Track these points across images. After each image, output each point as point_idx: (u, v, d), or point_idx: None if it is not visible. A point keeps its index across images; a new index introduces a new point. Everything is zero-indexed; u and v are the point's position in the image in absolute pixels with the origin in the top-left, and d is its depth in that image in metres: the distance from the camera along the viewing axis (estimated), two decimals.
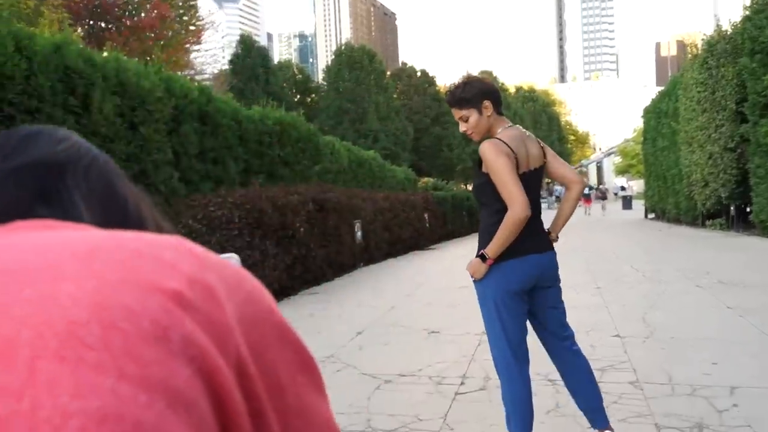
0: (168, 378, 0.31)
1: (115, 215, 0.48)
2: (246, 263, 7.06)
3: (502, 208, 2.65)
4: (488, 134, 2.81)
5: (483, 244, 2.72)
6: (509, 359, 2.70)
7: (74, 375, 0.29)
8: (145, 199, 0.53)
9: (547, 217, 2.89)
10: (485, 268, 2.68)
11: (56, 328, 0.31)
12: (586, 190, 36.28)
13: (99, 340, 0.31)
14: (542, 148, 2.87)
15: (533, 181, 2.76)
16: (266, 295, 0.42)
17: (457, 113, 2.82)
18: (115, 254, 0.36)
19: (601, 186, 44.49)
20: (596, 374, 2.97)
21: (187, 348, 0.33)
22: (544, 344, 2.91)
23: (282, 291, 7.88)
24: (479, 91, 2.77)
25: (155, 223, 0.52)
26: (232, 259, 0.57)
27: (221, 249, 7.01)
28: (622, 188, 52.79)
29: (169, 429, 0.30)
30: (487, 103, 2.77)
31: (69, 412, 0.28)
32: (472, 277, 2.75)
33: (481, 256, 2.68)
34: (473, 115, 2.77)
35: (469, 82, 2.83)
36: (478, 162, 2.75)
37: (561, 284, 2.88)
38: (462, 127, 2.84)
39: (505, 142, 2.68)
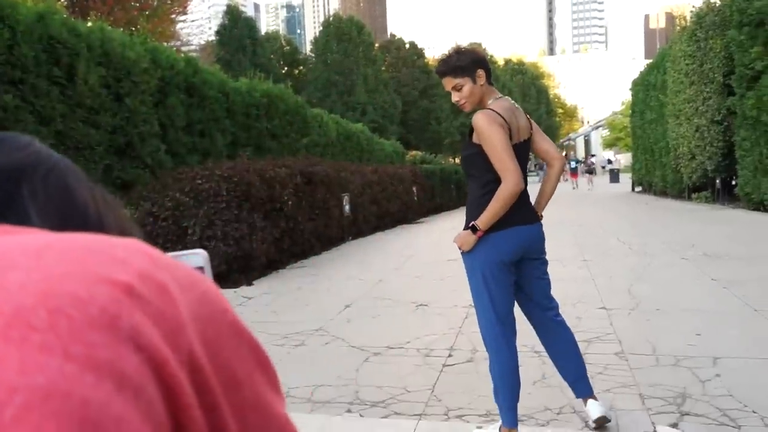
0: (116, 361, 0.31)
1: (73, 221, 0.48)
2: (234, 236, 7.05)
3: (493, 179, 2.65)
4: (479, 105, 2.80)
5: (472, 216, 2.72)
6: (497, 330, 2.72)
7: (19, 353, 0.29)
8: (110, 204, 0.53)
9: (536, 192, 2.90)
10: (474, 240, 2.68)
11: (2, 311, 0.31)
12: (573, 164, 36.34)
13: (45, 322, 0.31)
14: (528, 120, 2.87)
15: (523, 152, 2.76)
16: (220, 296, 0.42)
17: (450, 82, 2.78)
18: (67, 251, 0.36)
19: (588, 159, 44.33)
20: (582, 346, 3.01)
21: (136, 337, 0.33)
22: (529, 317, 2.93)
23: (270, 264, 7.88)
24: (472, 60, 2.75)
25: (119, 227, 0.52)
26: (199, 254, 0.57)
27: (209, 222, 6.99)
28: (609, 161, 52.85)
29: (117, 410, 0.30)
30: (480, 72, 2.75)
31: (13, 387, 0.28)
32: (460, 249, 2.75)
33: (472, 228, 2.67)
34: (467, 84, 2.75)
35: (461, 51, 2.81)
36: (469, 133, 2.74)
37: (547, 257, 2.90)
38: (455, 97, 2.81)
39: (498, 113, 2.68)
